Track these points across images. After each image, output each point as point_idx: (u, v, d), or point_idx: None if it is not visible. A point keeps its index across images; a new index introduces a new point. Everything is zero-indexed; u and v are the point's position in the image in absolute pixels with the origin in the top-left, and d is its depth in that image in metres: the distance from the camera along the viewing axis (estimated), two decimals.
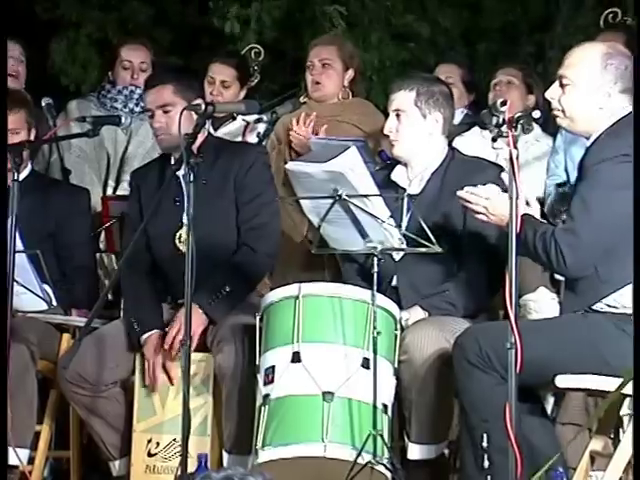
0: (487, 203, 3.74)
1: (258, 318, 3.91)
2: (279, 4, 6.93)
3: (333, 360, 3.80)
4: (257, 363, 3.87)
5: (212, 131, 4.86)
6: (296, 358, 3.79)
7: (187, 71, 4.47)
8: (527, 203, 3.75)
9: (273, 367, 3.83)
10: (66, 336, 4.49)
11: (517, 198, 3.47)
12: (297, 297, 3.85)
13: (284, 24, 6.94)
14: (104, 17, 7.21)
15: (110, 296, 4.73)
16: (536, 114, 3.58)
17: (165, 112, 4.21)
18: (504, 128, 3.50)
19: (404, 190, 4.22)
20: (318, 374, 3.76)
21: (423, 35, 6.99)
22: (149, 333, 4.18)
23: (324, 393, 3.74)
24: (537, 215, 3.76)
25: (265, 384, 3.83)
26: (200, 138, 4.27)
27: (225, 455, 4.10)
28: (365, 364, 3.79)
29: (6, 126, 4.74)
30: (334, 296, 3.86)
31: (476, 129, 5.19)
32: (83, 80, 7.13)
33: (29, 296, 4.20)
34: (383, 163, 4.76)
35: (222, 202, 4.26)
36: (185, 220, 4.09)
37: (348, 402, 3.76)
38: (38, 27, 7.09)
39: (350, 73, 5.28)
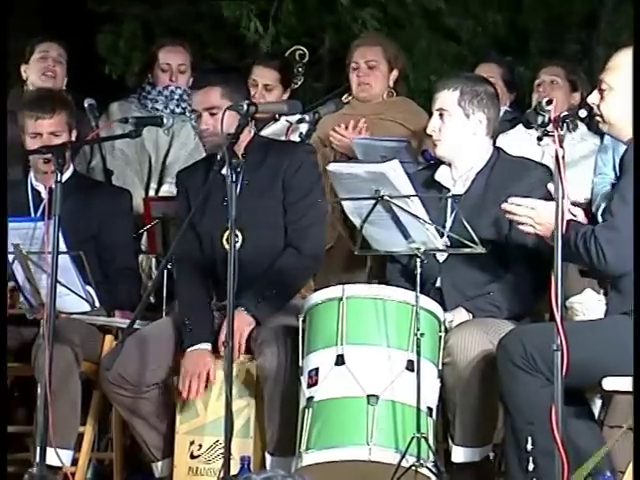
0: (533, 213, 3.70)
1: (301, 320, 3.90)
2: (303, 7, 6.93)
3: (377, 362, 3.78)
4: (300, 365, 3.86)
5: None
6: (340, 360, 3.78)
7: (235, 74, 4.44)
8: (569, 210, 3.71)
9: (317, 369, 3.82)
10: (109, 337, 4.50)
11: (563, 197, 3.44)
12: (341, 299, 3.84)
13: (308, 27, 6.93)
14: (148, 11, 7.23)
15: (152, 298, 4.74)
16: (582, 113, 3.55)
17: (212, 114, 4.18)
18: (550, 127, 3.47)
19: (448, 190, 4.19)
20: (362, 377, 3.75)
21: (465, 36, 6.96)
22: (197, 346, 4.15)
23: (368, 396, 3.72)
24: (581, 219, 3.72)
25: (309, 386, 3.82)
26: (247, 138, 4.27)
27: (268, 457, 4.09)
28: (409, 366, 3.77)
29: (6, 126, 4.78)
30: (377, 298, 3.85)
31: (521, 126, 5.15)
32: (124, 73, 7.16)
33: (72, 297, 4.21)
34: (426, 163, 4.74)
35: (270, 202, 4.24)
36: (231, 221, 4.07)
37: (392, 405, 3.74)
38: (87, 19, 7.13)
39: (395, 73, 5.28)
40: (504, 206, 3.76)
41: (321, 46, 6.91)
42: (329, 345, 3.81)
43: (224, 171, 3.88)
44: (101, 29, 7.26)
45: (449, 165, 4.24)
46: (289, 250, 4.23)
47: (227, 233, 4.21)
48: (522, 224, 3.74)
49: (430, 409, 3.78)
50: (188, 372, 4.09)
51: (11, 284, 4.36)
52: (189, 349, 4.14)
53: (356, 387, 3.74)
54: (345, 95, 5.35)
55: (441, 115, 4.17)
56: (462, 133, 4.17)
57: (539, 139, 3.83)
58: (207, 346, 4.15)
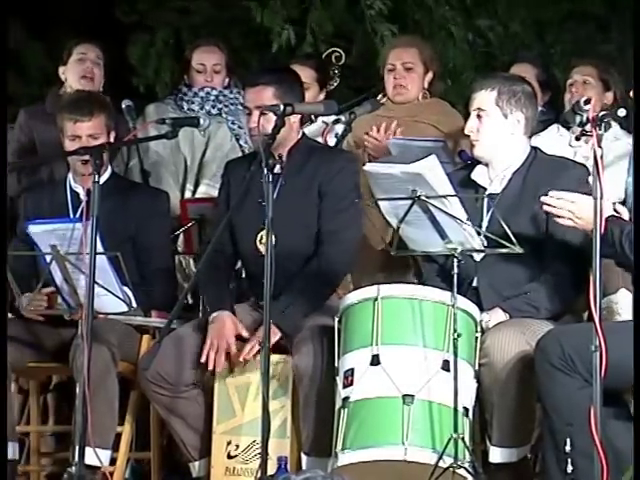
0: (573, 207, 3.69)
1: (337, 320, 3.90)
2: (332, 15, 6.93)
3: (413, 362, 3.79)
4: (336, 366, 3.87)
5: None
6: (375, 360, 3.79)
7: (290, 74, 4.41)
8: (614, 209, 3.69)
9: (352, 370, 3.82)
10: (146, 337, 4.52)
11: (601, 197, 3.42)
12: (376, 299, 3.84)
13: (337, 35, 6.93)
14: (179, 20, 7.24)
15: (190, 299, 4.75)
16: (622, 112, 3.52)
17: (262, 114, 4.18)
18: (588, 127, 3.45)
19: (484, 189, 4.18)
20: (398, 377, 3.75)
21: (494, 38, 6.94)
22: (217, 313, 4.16)
23: (404, 396, 3.73)
24: (626, 217, 3.70)
25: (344, 387, 3.83)
26: (294, 139, 4.27)
27: (304, 457, 4.09)
28: (445, 366, 3.77)
29: (6, 126, 4.80)
30: (413, 298, 3.85)
31: (553, 127, 5.14)
32: (154, 83, 7.17)
33: (110, 298, 4.22)
34: (463, 163, 4.73)
35: (305, 207, 4.25)
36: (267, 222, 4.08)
37: (429, 405, 3.75)
38: (117, 29, 7.16)
39: (430, 75, 5.28)
40: (544, 199, 3.75)
41: (350, 53, 6.90)
42: (364, 345, 3.82)
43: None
44: (131, 39, 7.25)
45: (486, 165, 4.23)
46: (317, 257, 4.22)
47: (261, 233, 4.23)
48: (562, 217, 3.73)
49: (466, 409, 3.77)
50: (208, 343, 4.10)
51: (49, 289, 4.38)
52: (210, 318, 4.15)
53: (391, 387, 3.74)
54: (380, 96, 5.34)
55: (479, 115, 4.16)
56: (500, 133, 4.16)
57: (577, 139, 3.83)
58: (227, 313, 4.15)
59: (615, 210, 3.70)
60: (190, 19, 7.28)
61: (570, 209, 3.70)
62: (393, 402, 3.73)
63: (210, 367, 4.11)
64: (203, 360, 4.11)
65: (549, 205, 3.74)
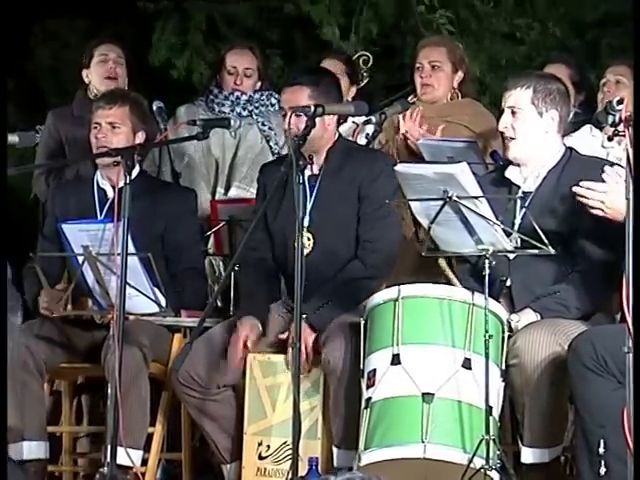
0: (604, 197, 3.70)
1: (362, 322, 3.92)
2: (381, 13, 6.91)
3: (433, 361, 3.80)
4: (361, 367, 3.88)
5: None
6: (396, 360, 3.80)
7: (328, 77, 4.38)
8: None
9: (374, 370, 3.84)
10: (178, 336, 4.52)
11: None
12: (396, 299, 3.85)
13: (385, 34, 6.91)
14: (210, 6, 7.23)
15: (219, 302, 4.75)
16: None
17: (296, 115, 4.15)
18: (621, 127, 3.43)
19: (518, 187, 4.16)
20: (418, 375, 3.77)
21: (532, 38, 6.90)
22: (244, 317, 4.17)
23: (424, 394, 3.74)
24: None
25: (367, 387, 3.85)
26: (330, 141, 4.27)
27: (335, 450, 4.09)
28: (466, 364, 3.77)
29: (5, 126, 4.81)
30: (434, 297, 3.86)
31: (586, 128, 5.10)
32: (192, 70, 7.16)
33: (141, 299, 4.23)
34: (496, 164, 4.71)
35: (344, 210, 4.24)
36: (306, 225, 4.09)
37: (458, 405, 3.75)
38: (140, 20, 7.14)
39: (460, 74, 5.26)
40: (576, 189, 3.76)
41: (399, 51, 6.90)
42: (386, 346, 3.84)
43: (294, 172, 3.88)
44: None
45: (518, 165, 4.21)
46: (355, 262, 4.21)
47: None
48: (593, 208, 3.73)
49: (490, 408, 3.75)
50: (234, 340, 4.13)
51: (61, 286, 4.39)
52: (239, 325, 4.17)
53: (412, 386, 3.75)
54: (411, 96, 5.33)
55: (513, 113, 4.15)
56: (535, 131, 4.14)
57: (609, 139, 3.81)
58: (254, 320, 4.16)
59: None
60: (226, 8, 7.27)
61: (601, 199, 3.71)
62: (413, 401, 3.74)
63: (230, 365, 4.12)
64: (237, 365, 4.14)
65: (581, 195, 3.74)
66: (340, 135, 4.40)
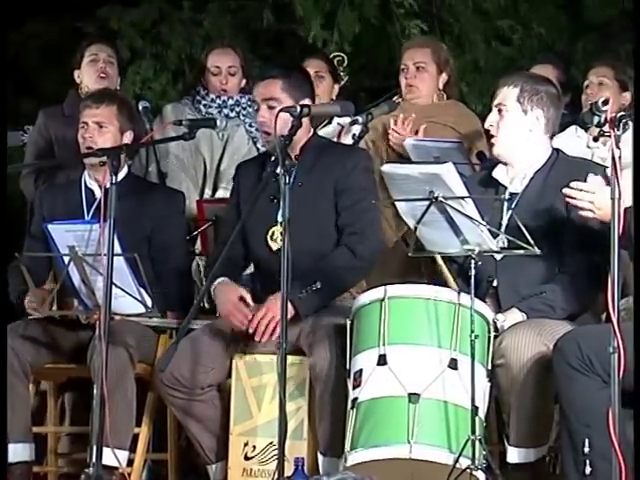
0: (593, 198, 3.72)
1: (348, 322, 3.92)
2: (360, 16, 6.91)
3: (419, 361, 3.80)
4: (347, 367, 3.88)
5: None
6: (382, 360, 3.81)
7: (299, 71, 4.41)
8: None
9: (361, 370, 3.84)
10: (164, 337, 4.52)
11: (619, 198, 3.42)
12: (383, 299, 3.86)
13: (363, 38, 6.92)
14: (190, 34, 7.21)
15: (206, 304, 4.75)
16: None
17: (270, 107, 4.18)
18: (606, 127, 3.44)
19: (505, 188, 4.18)
20: (404, 376, 3.77)
21: (516, 40, 6.92)
22: (215, 283, 4.15)
23: (410, 394, 3.74)
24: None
25: (353, 388, 3.85)
26: (305, 137, 4.27)
27: (320, 457, 4.09)
28: (452, 365, 3.78)
29: (6, 126, 4.80)
30: (420, 297, 3.87)
31: (571, 128, 5.13)
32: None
33: (127, 299, 4.22)
34: (480, 165, 4.72)
35: (320, 205, 4.24)
36: (280, 220, 4.08)
37: (444, 405, 3.75)
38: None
39: (444, 76, 5.27)
40: (565, 191, 3.78)
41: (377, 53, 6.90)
42: (372, 346, 3.85)
43: (279, 170, 3.87)
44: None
45: (505, 164, 4.22)
46: (343, 249, 4.21)
47: (272, 230, 4.22)
48: (582, 209, 3.74)
49: (476, 408, 3.76)
50: (222, 310, 4.11)
51: (47, 286, 4.38)
52: (212, 288, 4.15)
53: (398, 386, 3.76)
54: (396, 97, 5.34)
55: (500, 110, 4.17)
56: (518, 129, 4.16)
57: (595, 140, 3.82)
58: (225, 279, 4.15)
59: None
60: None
61: (590, 199, 3.72)
62: (400, 401, 3.75)
63: (243, 328, 4.08)
64: (251, 330, 4.08)
65: (570, 196, 3.75)
66: (315, 131, 4.41)
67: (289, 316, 3.97)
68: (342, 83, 5.66)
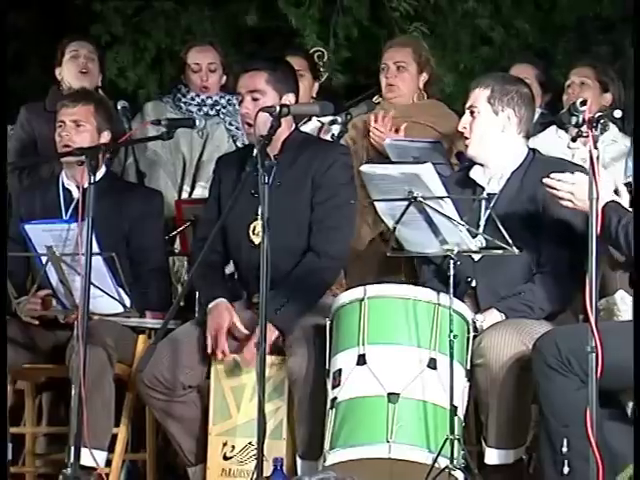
0: (573, 189, 3.73)
1: (328, 322, 3.92)
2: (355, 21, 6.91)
3: (399, 361, 3.81)
4: (327, 367, 3.88)
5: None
6: (361, 360, 3.81)
7: (285, 64, 4.41)
8: (616, 192, 3.70)
9: (340, 370, 3.85)
10: (142, 337, 4.50)
11: (597, 199, 3.43)
12: (362, 299, 3.87)
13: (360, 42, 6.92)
14: (171, 26, 7.19)
15: (183, 302, 4.73)
16: (617, 113, 3.53)
17: (254, 99, 4.17)
18: (584, 128, 3.45)
19: (482, 189, 4.18)
20: (383, 375, 3.77)
21: (496, 40, 6.94)
22: (213, 303, 4.15)
23: (389, 394, 3.75)
24: (626, 204, 3.70)
25: (333, 387, 3.86)
26: (286, 133, 4.26)
27: (298, 460, 4.09)
28: (431, 364, 3.78)
29: (6, 126, 4.78)
30: (400, 297, 3.87)
31: (552, 128, 5.15)
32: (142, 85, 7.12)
33: (105, 299, 4.21)
34: (461, 164, 4.73)
35: (298, 201, 4.22)
36: (260, 217, 4.07)
37: (423, 405, 3.76)
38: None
39: (425, 75, 5.27)
40: (546, 181, 3.80)
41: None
42: (352, 346, 3.85)
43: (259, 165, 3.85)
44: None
45: (481, 165, 4.23)
46: (309, 255, 4.19)
47: (254, 224, 4.21)
48: (562, 199, 3.76)
49: (455, 407, 3.76)
50: (210, 331, 4.09)
51: (44, 291, 4.38)
52: (207, 309, 4.14)
53: (377, 386, 3.76)
54: (376, 97, 5.35)
55: (472, 112, 4.19)
56: (490, 130, 4.17)
57: (573, 140, 3.84)
58: (223, 300, 4.14)
59: (616, 192, 3.71)
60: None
61: (570, 190, 3.74)
62: (379, 401, 3.75)
63: (219, 357, 4.09)
64: (209, 351, 4.10)
65: (550, 187, 3.78)
66: (296, 127, 4.40)
67: (273, 337, 4.01)
68: (322, 79, 5.67)
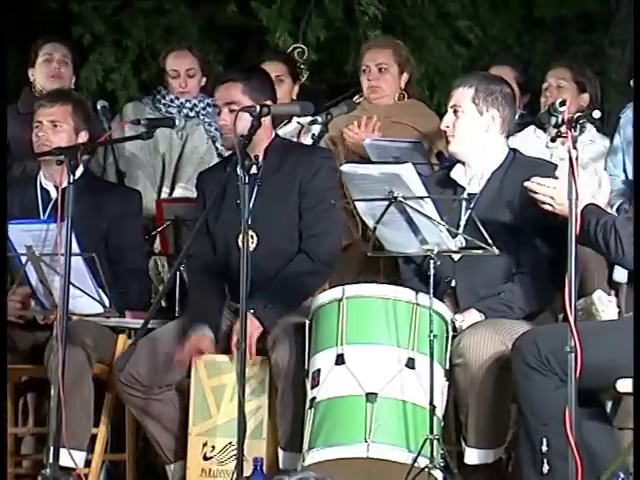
0: (553, 193, 3.74)
1: (307, 322, 3.93)
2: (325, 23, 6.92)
3: (377, 361, 3.81)
4: (306, 367, 3.89)
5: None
6: (340, 360, 3.82)
7: (260, 73, 4.42)
8: (599, 185, 3.72)
9: (319, 370, 3.85)
10: (122, 337, 4.49)
11: (577, 199, 3.44)
12: (341, 299, 3.87)
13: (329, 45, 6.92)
14: (151, 25, 7.17)
15: (163, 301, 4.73)
16: (597, 114, 3.54)
17: (231, 110, 4.18)
18: (563, 128, 3.47)
19: (463, 189, 4.19)
20: (362, 375, 3.78)
21: (474, 41, 6.96)
22: (200, 326, 4.15)
23: (368, 394, 3.75)
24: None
25: (312, 387, 3.86)
26: (267, 139, 4.27)
27: (280, 452, 4.08)
28: (410, 364, 3.79)
29: (5, 126, 4.76)
30: (378, 297, 3.88)
31: (530, 128, 5.16)
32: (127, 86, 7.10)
33: (85, 299, 4.20)
34: (441, 164, 4.74)
35: (286, 206, 4.24)
36: (249, 222, 4.08)
37: (402, 404, 3.76)
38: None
39: (405, 75, 5.30)
40: (527, 184, 3.81)
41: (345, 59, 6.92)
42: (330, 346, 3.86)
43: (240, 171, 3.87)
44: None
45: (463, 163, 4.24)
46: (301, 256, 4.22)
47: (241, 235, 4.21)
48: (543, 203, 3.77)
49: (434, 407, 3.77)
50: (186, 349, 4.11)
51: (23, 290, 4.36)
52: (193, 325, 4.14)
53: (355, 385, 3.76)
54: (356, 97, 5.35)
55: (455, 111, 4.19)
56: (474, 129, 4.17)
57: (552, 140, 3.85)
58: (209, 333, 4.14)
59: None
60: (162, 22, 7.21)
61: (551, 194, 3.75)
62: (357, 400, 3.76)
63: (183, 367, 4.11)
64: (177, 359, 4.11)
65: (531, 190, 3.78)
66: (277, 134, 4.41)
67: (259, 330, 4.02)
68: (302, 80, 5.67)
